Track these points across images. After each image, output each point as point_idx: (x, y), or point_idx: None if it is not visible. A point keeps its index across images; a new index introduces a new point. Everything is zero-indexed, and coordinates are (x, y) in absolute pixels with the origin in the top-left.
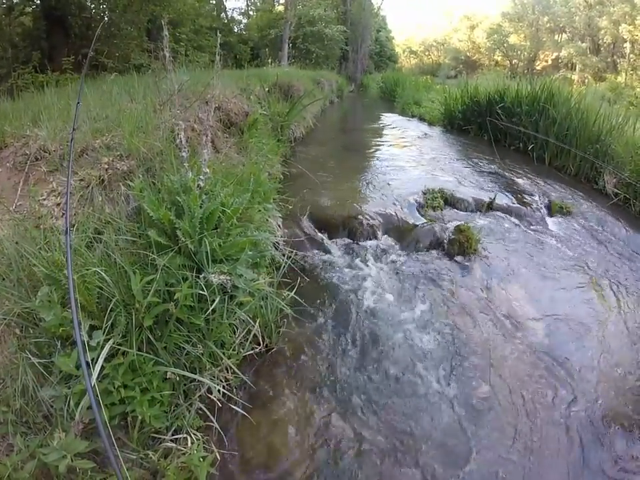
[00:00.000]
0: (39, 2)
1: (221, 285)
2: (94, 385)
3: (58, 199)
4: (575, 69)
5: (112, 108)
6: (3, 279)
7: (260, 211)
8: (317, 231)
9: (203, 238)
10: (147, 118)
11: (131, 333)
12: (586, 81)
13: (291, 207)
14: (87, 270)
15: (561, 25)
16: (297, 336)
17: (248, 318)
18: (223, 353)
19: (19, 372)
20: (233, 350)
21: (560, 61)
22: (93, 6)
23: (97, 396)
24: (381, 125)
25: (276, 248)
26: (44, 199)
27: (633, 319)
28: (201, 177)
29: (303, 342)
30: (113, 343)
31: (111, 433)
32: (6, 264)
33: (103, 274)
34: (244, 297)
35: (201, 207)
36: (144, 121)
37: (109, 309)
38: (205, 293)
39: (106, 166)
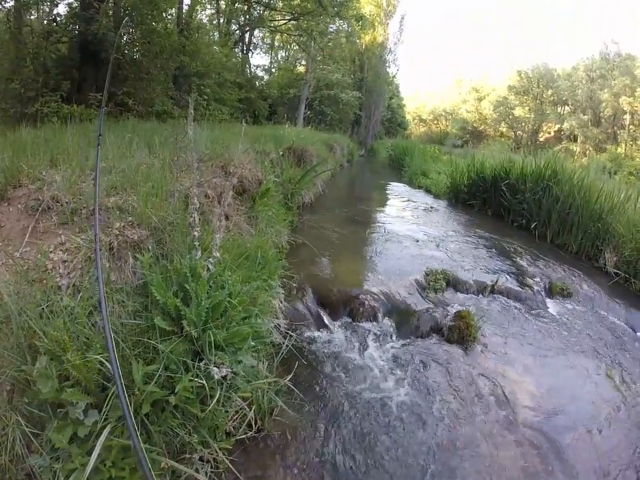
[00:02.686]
0: (76, 33)
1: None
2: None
3: (65, 255)
4: (577, 141)
5: (129, 160)
6: None
7: (266, 289)
8: (318, 308)
9: (207, 329)
10: (162, 182)
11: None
12: (587, 152)
13: (295, 285)
14: (89, 351)
15: (564, 98)
16: (290, 421)
17: (244, 404)
18: (215, 437)
19: (8, 431)
20: (226, 434)
21: (562, 132)
22: (126, 48)
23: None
24: (388, 195)
25: (277, 328)
26: (51, 251)
27: (634, 408)
28: (210, 259)
29: (295, 427)
30: (111, 429)
31: None
32: (3, 315)
33: (104, 361)
34: (243, 391)
35: (208, 295)
36: (159, 185)
37: (109, 394)
38: (205, 384)
39: (117, 232)
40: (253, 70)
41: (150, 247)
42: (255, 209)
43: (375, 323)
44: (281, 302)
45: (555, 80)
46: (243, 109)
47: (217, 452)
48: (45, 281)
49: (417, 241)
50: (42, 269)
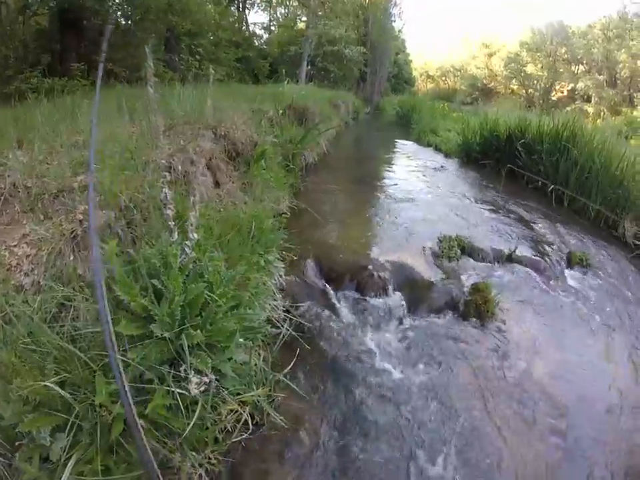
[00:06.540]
0: (54, 3)
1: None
2: None
3: (29, 249)
4: (591, 101)
5: (106, 130)
6: None
7: (262, 267)
8: (322, 282)
9: (184, 330)
10: (135, 152)
11: (96, 442)
12: (602, 113)
13: (296, 257)
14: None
15: (578, 57)
16: (291, 412)
17: (236, 405)
18: (206, 444)
19: None
20: (221, 431)
21: (576, 92)
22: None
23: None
24: (396, 154)
25: (275, 309)
26: (14, 246)
27: None
28: (187, 243)
29: (296, 419)
30: (79, 456)
31: None
32: None
33: (57, 389)
34: (229, 404)
35: (184, 288)
36: (135, 156)
37: (72, 416)
38: (184, 394)
39: (80, 217)
40: (250, 28)
41: (119, 232)
42: (250, 174)
43: (384, 297)
44: (281, 277)
45: (569, 37)
46: (242, 68)
47: (209, 456)
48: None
49: (428, 204)
50: (5, 267)
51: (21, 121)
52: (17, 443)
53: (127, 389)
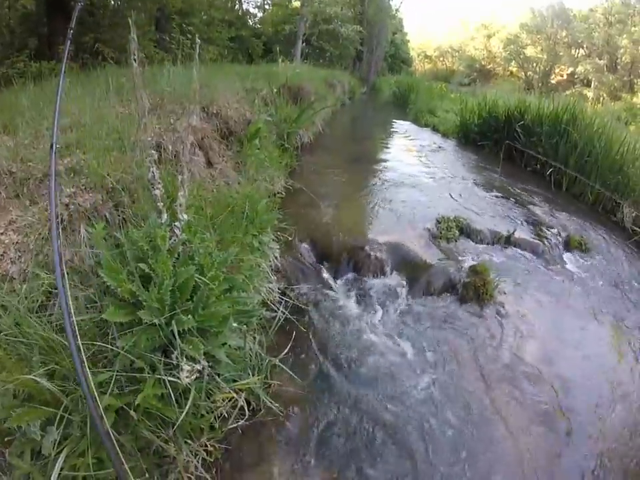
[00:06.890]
0: None
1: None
2: None
3: (16, 236)
4: (591, 86)
5: (94, 112)
6: None
7: (257, 249)
8: (319, 263)
9: (175, 315)
10: (123, 132)
11: (87, 435)
12: (601, 98)
13: (291, 238)
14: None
15: (579, 41)
16: (288, 396)
17: (232, 392)
18: (201, 432)
19: None
20: (217, 418)
21: (576, 76)
22: None
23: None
24: (393, 134)
25: (270, 292)
26: (1, 234)
27: None
28: (176, 224)
29: (293, 403)
30: (71, 449)
31: None
32: None
33: (44, 382)
34: (223, 392)
35: (173, 269)
36: (123, 136)
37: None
38: (176, 383)
39: (67, 200)
40: (244, 7)
41: (107, 214)
42: (244, 153)
43: (383, 277)
44: (276, 258)
45: (570, 21)
46: (235, 48)
47: (205, 444)
48: None
49: (426, 185)
50: None
51: (7, 105)
52: (6, 438)
53: (89, 379)
